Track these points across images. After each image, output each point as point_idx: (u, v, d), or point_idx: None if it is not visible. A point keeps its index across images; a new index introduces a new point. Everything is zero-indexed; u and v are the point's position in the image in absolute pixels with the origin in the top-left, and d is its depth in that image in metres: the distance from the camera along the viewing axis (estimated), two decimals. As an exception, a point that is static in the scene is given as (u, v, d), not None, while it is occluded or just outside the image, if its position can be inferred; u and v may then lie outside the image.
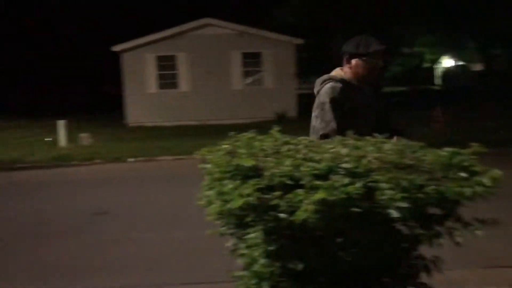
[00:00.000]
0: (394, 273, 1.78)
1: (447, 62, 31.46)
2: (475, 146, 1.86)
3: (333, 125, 2.38)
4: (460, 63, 29.58)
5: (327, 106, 2.39)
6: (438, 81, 29.42)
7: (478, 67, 27.47)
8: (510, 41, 21.54)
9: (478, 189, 1.71)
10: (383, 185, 1.72)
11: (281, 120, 15.74)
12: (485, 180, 1.70)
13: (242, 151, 1.93)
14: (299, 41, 17.37)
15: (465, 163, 1.82)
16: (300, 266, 1.64)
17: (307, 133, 2.47)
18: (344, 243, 1.72)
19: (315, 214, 1.57)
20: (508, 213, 4.90)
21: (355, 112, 2.41)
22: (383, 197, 1.69)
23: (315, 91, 2.52)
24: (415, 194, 1.69)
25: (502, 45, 23.64)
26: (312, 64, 21.16)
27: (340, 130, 2.31)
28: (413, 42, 25.48)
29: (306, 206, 1.55)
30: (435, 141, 3.47)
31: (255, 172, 1.78)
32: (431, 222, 1.73)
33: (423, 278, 1.86)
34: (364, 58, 2.42)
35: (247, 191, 1.59)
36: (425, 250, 1.83)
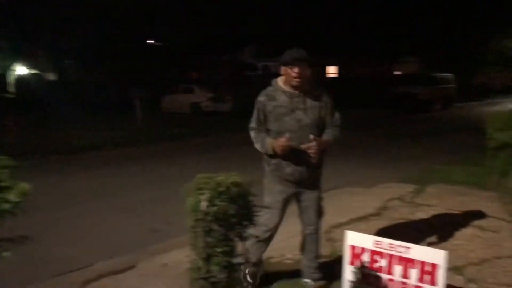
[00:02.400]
0: None
1: (21, 69, 30.26)
2: (3, 159, 1.72)
3: (252, 120, 3.03)
4: (34, 71, 29.13)
5: (255, 107, 3.00)
6: (11, 88, 27.95)
7: (52, 76, 27.97)
8: (77, 54, 23.64)
9: (6, 206, 1.58)
10: None
11: None
12: (12, 197, 1.58)
13: None
14: None
15: (-7, 179, 1.65)
16: None
17: None
18: None
19: None
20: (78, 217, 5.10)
21: (278, 113, 2.94)
22: None
23: None
24: None
25: (72, 57, 25.40)
26: None
27: (257, 125, 3.00)
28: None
29: None
30: (8, 152, 3.13)
31: None
32: None
33: None
34: (290, 66, 2.87)
35: None
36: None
